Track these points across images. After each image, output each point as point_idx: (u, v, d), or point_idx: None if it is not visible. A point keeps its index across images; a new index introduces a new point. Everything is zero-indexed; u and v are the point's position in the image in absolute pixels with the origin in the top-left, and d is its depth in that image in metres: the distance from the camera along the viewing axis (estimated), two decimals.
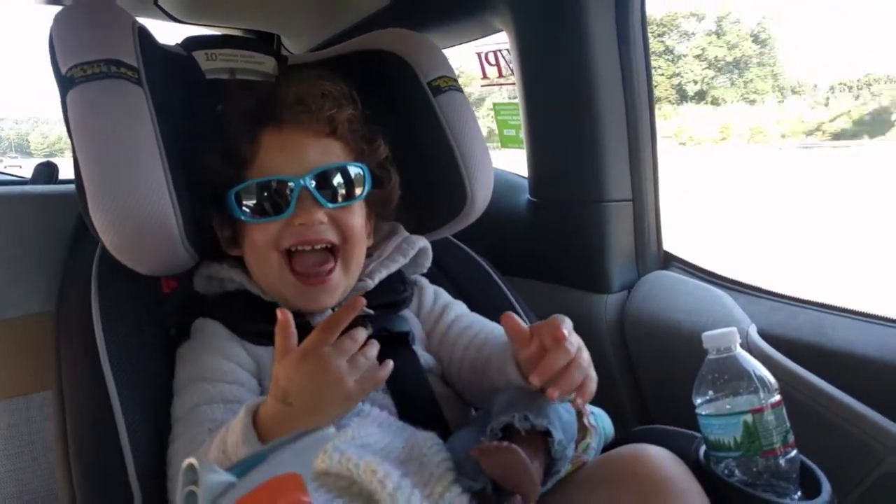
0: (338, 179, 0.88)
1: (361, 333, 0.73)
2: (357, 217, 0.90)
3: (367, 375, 0.70)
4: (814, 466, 0.75)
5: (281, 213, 0.85)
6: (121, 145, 0.80)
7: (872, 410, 0.92)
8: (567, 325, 0.72)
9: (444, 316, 0.98)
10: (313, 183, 0.85)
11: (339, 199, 0.87)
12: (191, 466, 0.41)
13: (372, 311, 0.88)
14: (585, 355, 0.73)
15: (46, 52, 0.85)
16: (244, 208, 0.86)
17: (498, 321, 0.97)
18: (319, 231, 0.85)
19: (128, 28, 0.88)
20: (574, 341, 0.72)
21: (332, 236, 0.87)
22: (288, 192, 0.84)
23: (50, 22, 0.86)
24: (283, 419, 0.66)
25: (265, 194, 0.85)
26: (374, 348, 0.73)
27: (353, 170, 0.90)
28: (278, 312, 0.70)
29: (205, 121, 0.93)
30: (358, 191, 0.90)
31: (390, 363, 0.73)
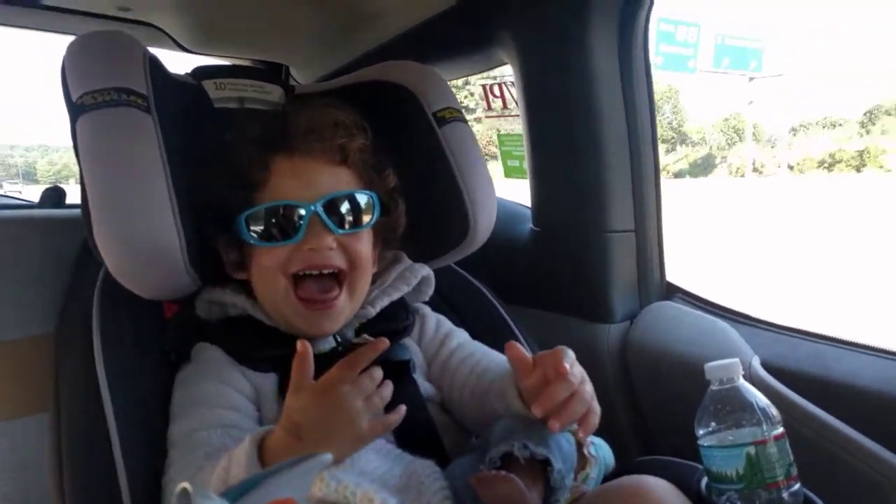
0: (347, 206, 0.89)
1: (379, 373, 0.73)
2: (365, 244, 0.91)
3: (379, 419, 0.71)
4: (817, 500, 0.74)
5: (290, 238, 0.85)
6: (127, 171, 0.81)
7: (876, 444, 0.91)
8: (569, 358, 0.72)
9: (446, 344, 0.98)
10: (324, 209, 0.85)
11: (349, 225, 0.88)
12: (184, 491, 0.40)
13: (373, 340, 0.88)
14: (589, 388, 0.73)
15: (59, 81, 0.87)
16: (253, 232, 0.87)
17: (499, 349, 0.97)
18: (328, 257, 0.86)
19: (139, 57, 0.89)
20: (577, 373, 0.72)
21: (340, 262, 0.87)
22: (298, 217, 0.85)
23: (63, 51, 0.88)
24: (292, 452, 0.66)
25: (275, 219, 0.86)
26: (388, 389, 0.74)
27: (363, 197, 0.90)
28: (298, 344, 0.70)
29: (213, 147, 0.95)
30: (367, 218, 0.90)
31: (403, 408, 0.74)
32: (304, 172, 0.88)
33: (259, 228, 0.87)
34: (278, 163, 0.89)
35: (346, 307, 0.89)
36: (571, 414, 0.70)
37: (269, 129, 0.91)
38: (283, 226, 0.86)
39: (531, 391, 0.72)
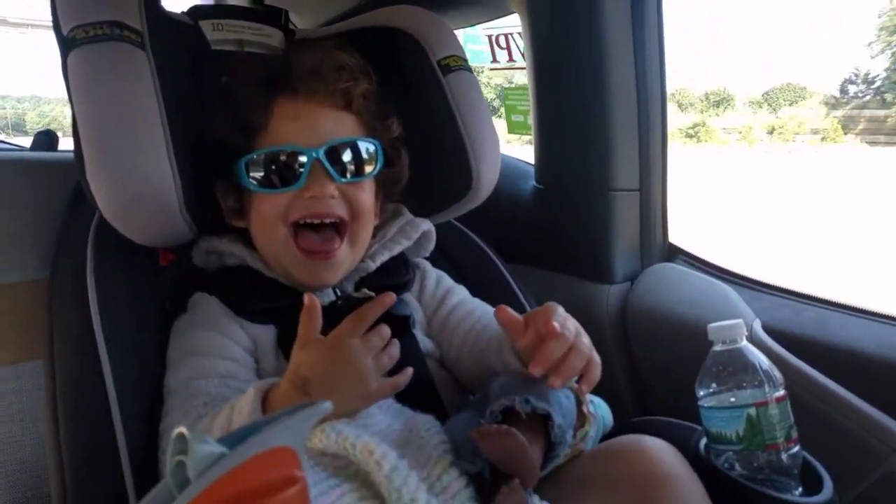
0: (350, 154, 0.86)
1: (387, 330, 0.72)
2: (367, 194, 0.88)
3: (387, 380, 0.71)
4: (816, 463, 0.74)
5: (291, 184, 0.83)
6: (121, 109, 0.78)
7: (876, 410, 0.91)
8: (559, 314, 0.71)
9: (446, 301, 0.97)
10: (326, 156, 0.83)
11: (351, 174, 0.86)
12: (181, 436, 0.39)
13: (373, 294, 0.87)
14: (586, 340, 0.72)
15: (48, 11, 0.83)
16: (253, 178, 0.84)
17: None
18: (329, 205, 0.84)
19: None
20: (571, 327, 0.71)
21: (342, 211, 0.85)
22: (300, 163, 0.83)
23: None
24: None
25: (276, 165, 0.83)
26: (396, 348, 0.73)
27: (367, 146, 0.88)
28: (305, 297, 0.69)
29: (209, 89, 0.91)
30: (370, 167, 0.88)
31: (409, 370, 0.73)
32: (307, 116, 0.85)
33: (259, 174, 0.84)
34: (280, 105, 0.86)
35: (346, 258, 0.87)
36: (571, 368, 0.69)
37: (271, 70, 0.88)
38: (283, 172, 0.83)
39: (527, 351, 0.71)
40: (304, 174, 0.82)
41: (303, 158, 0.82)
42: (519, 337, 0.72)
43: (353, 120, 0.89)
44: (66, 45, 0.80)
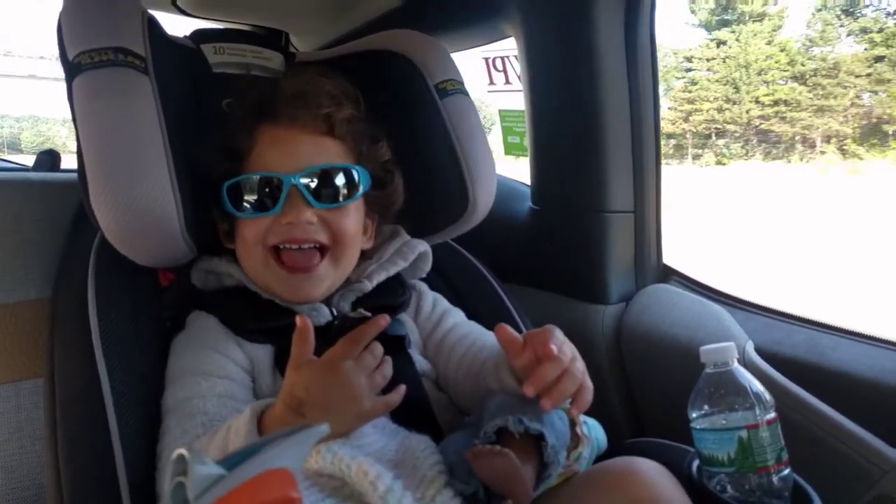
0: (330, 180, 0.86)
1: (380, 349, 0.73)
2: (351, 219, 0.89)
3: (381, 399, 0.71)
4: (806, 485, 0.75)
5: (269, 209, 0.84)
6: (125, 134, 0.80)
7: (868, 432, 0.91)
8: (556, 337, 0.72)
9: (443, 323, 0.97)
10: (303, 181, 0.84)
11: (330, 199, 0.86)
12: (180, 457, 0.40)
13: (369, 314, 0.88)
14: (580, 365, 0.73)
15: (54, 38, 0.85)
16: (234, 203, 0.86)
17: (493, 326, 0.97)
18: (307, 231, 0.84)
19: (137, 17, 0.87)
20: (567, 351, 0.72)
21: (322, 237, 0.86)
22: (276, 189, 0.84)
23: (58, 9, 0.86)
24: None
25: (255, 190, 0.85)
26: (389, 367, 0.74)
27: (347, 171, 0.88)
28: (298, 319, 0.70)
29: (209, 113, 0.93)
30: (351, 192, 0.88)
31: (403, 388, 0.74)
32: (287, 142, 0.86)
33: (239, 199, 0.86)
34: (263, 131, 0.87)
35: (328, 274, 0.88)
36: (563, 392, 0.70)
37: (256, 97, 0.89)
38: (261, 197, 0.85)
39: (523, 370, 0.72)
40: (280, 200, 0.83)
41: (280, 184, 0.83)
42: (517, 356, 0.73)
43: (337, 145, 0.89)
44: (72, 70, 0.81)
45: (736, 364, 0.76)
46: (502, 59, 1.50)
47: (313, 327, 0.85)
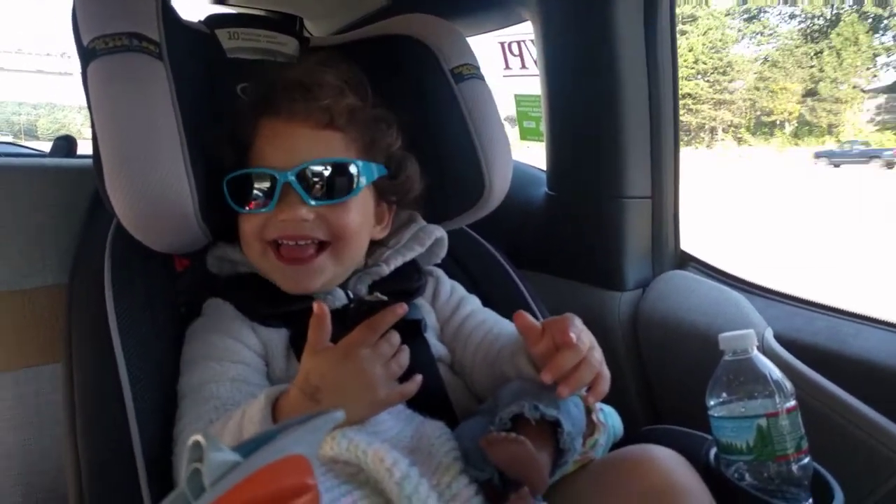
0: (326, 176, 0.84)
1: (397, 338, 0.73)
2: (352, 214, 0.86)
3: (397, 387, 0.71)
4: (826, 474, 0.74)
5: (263, 207, 0.84)
6: (139, 119, 0.80)
7: (889, 420, 0.90)
8: (576, 326, 0.72)
9: (460, 309, 0.97)
10: (297, 178, 0.82)
11: (326, 196, 0.84)
12: (196, 444, 0.40)
13: (386, 298, 0.88)
14: (597, 354, 0.73)
15: (69, 24, 0.85)
16: (233, 197, 0.86)
17: (510, 314, 0.96)
18: (303, 228, 0.83)
19: (151, 2, 0.87)
20: (585, 339, 0.72)
21: (319, 233, 0.84)
22: (272, 185, 0.83)
23: (62, 9, 0.86)
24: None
25: (252, 186, 0.84)
26: (405, 355, 0.73)
27: (345, 165, 0.85)
28: (314, 305, 0.69)
29: (222, 99, 0.93)
30: (348, 188, 0.85)
31: (419, 377, 0.73)
32: (285, 137, 0.85)
33: (238, 193, 0.85)
34: (264, 125, 0.86)
35: (327, 267, 0.86)
36: (580, 380, 0.70)
37: (259, 88, 0.89)
38: (257, 194, 0.84)
39: (541, 358, 0.72)
40: (275, 197, 0.82)
41: (274, 181, 0.82)
42: (535, 343, 0.73)
43: (339, 137, 0.87)
44: (87, 55, 0.81)
45: (755, 351, 0.75)
46: (518, 43, 1.48)
47: (330, 310, 0.85)
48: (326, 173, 0.84)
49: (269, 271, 0.87)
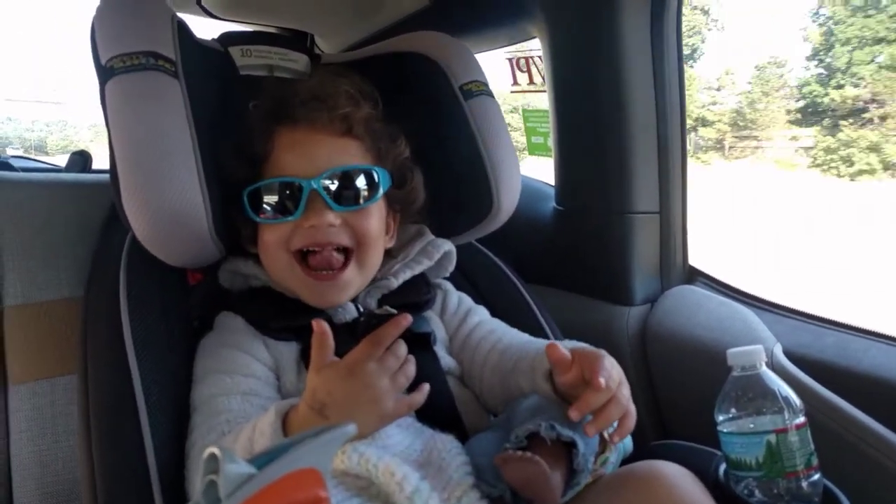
0: (350, 182, 0.86)
1: (403, 349, 0.73)
2: (373, 220, 0.89)
3: (404, 399, 0.71)
4: (837, 491, 0.74)
5: (290, 214, 0.85)
6: (155, 136, 0.81)
7: None
8: (605, 368, 0.71)
9: (468, 319, 0.98)
10: (324, 185, 0.84)
11: (351, 202, 0.86)
12: (212, 456, 0.41)
13: (395, 312, 0.89)
14: (625, 391, 0.73)
15: (88, 43, 0.87)
16: (254, 208, 0.87)
17: (518, 328, 0.97)
18: (330, 234, 0.85)
19: (167, 21, 0.89)
20: (615, 376, 0.72)
21: (345, 239, 0.86)
22: (297, 193, 0.84)
23: (91, 14, 0.88)
24: None
25: (275, 195, 0.85)
26: (412, 367, 0.74)
27: (367, 172, 0.88)
28: (314, 324, 0.69)
29: (235, 115, 0.94)
30: (371, 194, 0.88)
31: (426, 387, 0.74)
32: (306, 145, 0.87)
33: (260, 204, 0.86)
34: (281, 135, 0.88)
35: (354, 279, 0.88)
36: (608, 419, 0.70)
37: (274, 100, 0.90)
38: (282, 202, 0.85)
39: (569, 388, 0.73)
40: (301, 204, 0.84)
41: (300, 188, 0.84)
42: (563, 372, 0.73)
43: (356, 145, 0.89)
44: (105, 73, 0.83)
45: (764, 367, 0.75)
46: (526, 59, 1.49)
47: (340, 324, 0.86)
48: (350, 180, 0.86)
49: (296, 285, 0.87)
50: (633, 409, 0.73)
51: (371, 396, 0.68)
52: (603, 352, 0.74)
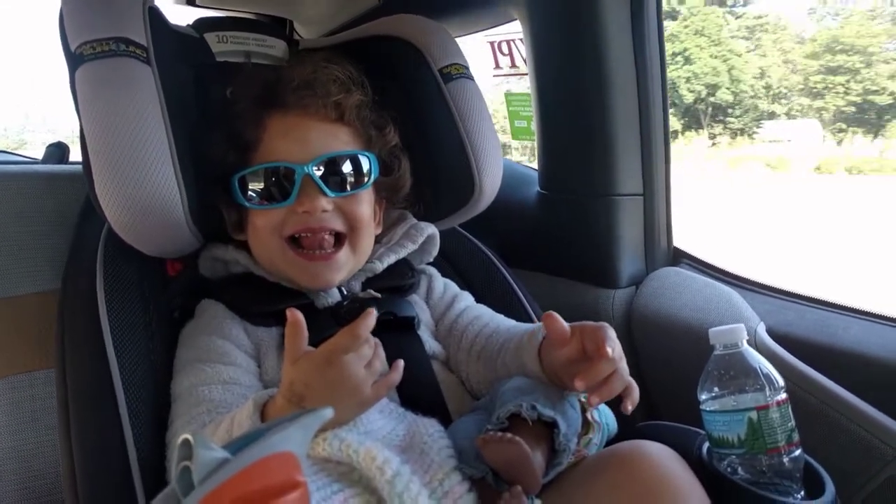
0: (342, 167, 0.87)
1: (371, 338, 0.71)
2: (364, 205, 0.89)
3: (381, 381, 0.70)
4: (818, 466, 0.74)
5: (283, 200, 0.84)
6: (128, 123, 0.80)
7: (880, 412, 0.91)
8: (611, 338, 0.71)
9: (454, 306, 0.98)
10: (317, 171, 0.84)
11: (344, 187, 0.87)
12: (185, 442, 0.40)
13: (379, 295, 0.88)
14: (625, 365, 0.73)
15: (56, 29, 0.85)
16: (247, 194, 0.86)
17: (504, 313, 0.97)
18: (323, 219, 0.85)
19: (138, 7, 0.87)
20: (617, 350, 0.72)
21: (338, 224, 0.86)
22: (290, 179, 0.84)
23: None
24: None
25: (268, 181, 0.85)
26: (381, 349, 0.72)
27: (359, 158, 0.89)
28: (288, 313, 0.68)
29: (214, 103, 0.93)
30: (363, 180, 0.89)
31: (401, 364, 0.73)
32: (298, 131, 0.86)
33: (253, 190, 0.86)
34: (272, 121, 0.87)
35: (348, 260, 0.88)
36: (611, 390, 0.70)
37: (263, 86, 0.89)
38: (275, 188, 0.85)
39: (567, 363, 0.73)
40: (295, 190, 0.83)
41: (293, 174, 0.83)
42: (561, 346, 0.73)
43: (347, 132, 0.90)
44: (74, 60, 0.81)
45: (745, 345, 0.75)
46: (508, 42, 1.48)
47: (323, 308, 0.85)
48: (343, 166, 0.87)
49: (288, 269, 0.87)
50: (634, 382, 0.73)
51: (350, 387, 0.67)
52: (604, 324, 0.73)
